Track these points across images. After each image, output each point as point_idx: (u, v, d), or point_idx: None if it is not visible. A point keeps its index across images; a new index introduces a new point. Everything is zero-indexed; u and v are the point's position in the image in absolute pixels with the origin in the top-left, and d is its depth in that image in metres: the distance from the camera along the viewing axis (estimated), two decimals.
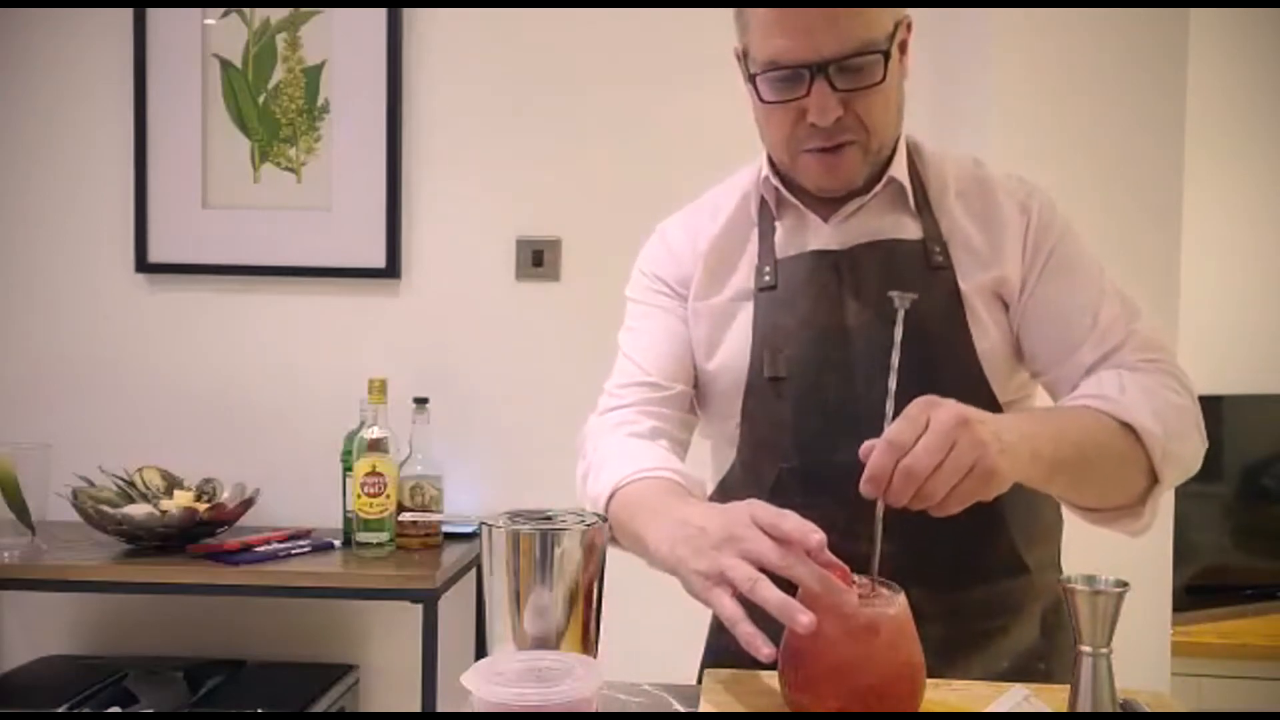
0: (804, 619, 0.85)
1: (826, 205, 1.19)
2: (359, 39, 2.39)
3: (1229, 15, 2.71)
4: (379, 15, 2.38)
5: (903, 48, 1.13)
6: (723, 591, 0.89)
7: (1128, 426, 1.05)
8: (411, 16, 2.40)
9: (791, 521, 0.90)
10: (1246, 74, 2.84)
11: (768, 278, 1.19)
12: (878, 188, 1.17)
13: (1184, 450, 1.09)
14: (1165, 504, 2.18)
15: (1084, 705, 0.84)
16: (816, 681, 0.90)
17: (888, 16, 1.09)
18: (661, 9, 2.36)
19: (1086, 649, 0.84)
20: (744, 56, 1.15)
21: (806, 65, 1.07)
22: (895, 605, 0.92)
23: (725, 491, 1.23)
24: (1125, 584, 0.84)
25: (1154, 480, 1.08)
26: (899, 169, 1.18)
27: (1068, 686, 0.87)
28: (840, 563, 0.92)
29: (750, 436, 1.19)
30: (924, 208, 1.18)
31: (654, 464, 1.12)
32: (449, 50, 2.41)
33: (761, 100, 1.13)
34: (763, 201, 1.23)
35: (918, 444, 0.90)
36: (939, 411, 0.91)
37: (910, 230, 1.17)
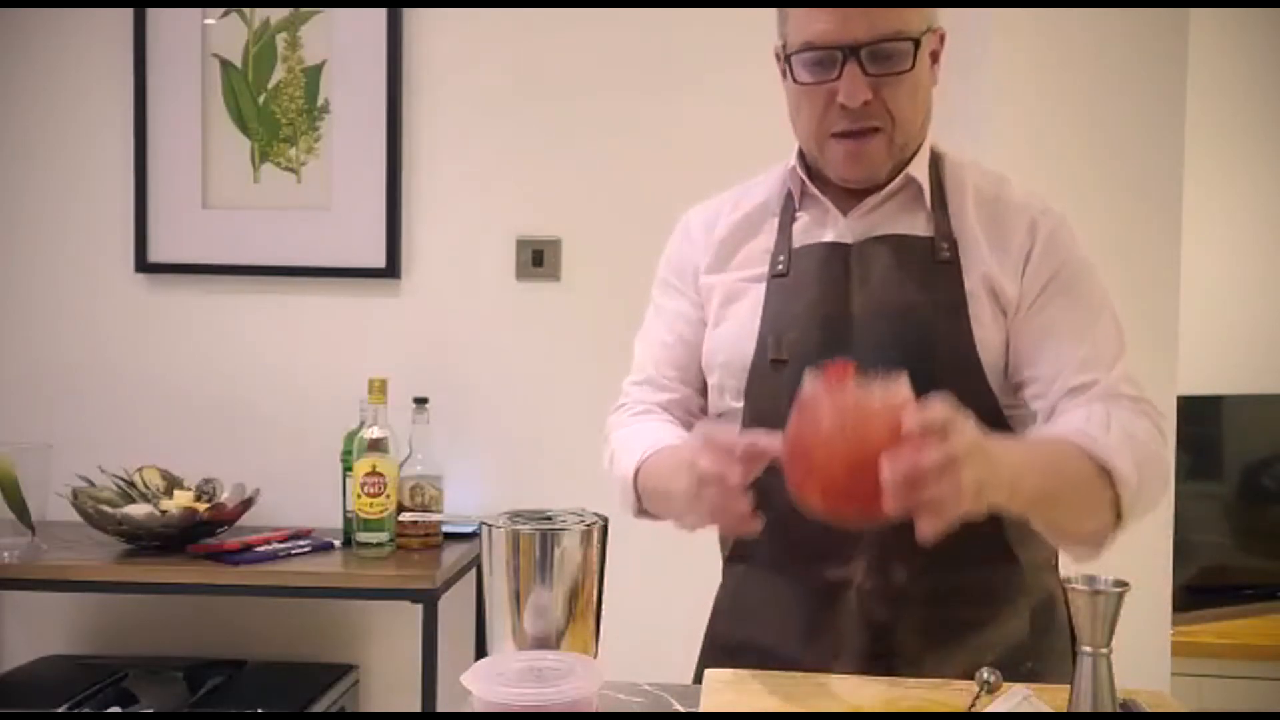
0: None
1: (847, 200, 1.23)
2: (359, 39, 2.39)
3: (1229, 15, 2.71)
4: (379, 15, 2.38)
5: (934, 57, 1.19)
6: (707, 514, 1.02)
7: (1106, 469, 1.07)
8: (411, 16, 2.39)
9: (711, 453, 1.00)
10: (1246, 74, 2.84)
11: (781, 265, 1.23)
12: (894, 184, 1.21)
13: (1151, 500, 1.12)
14: (1165, 504, 2.19)
15: (1084, 705, 0.84)
16: (812, 468, 0.91)
17: (919, 17, 1.15)
18: (660, 10, 2.35)
19: (1086, 649, 0.84)
20: (782, 52, 1.19)
21: (839, 47, 1.13)
22: (892, 392, 0.91)
23: None
24: (1125, 584, 0.84)
25: (1117, 518, 1.09)
26: (919, 169, 1.21)
27: (1068, 686, 0.87)
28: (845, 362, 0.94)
29: (751, 417, 1.21)
30: (939, 210, 1.21)
31: (668, 437, 1.23)
32: (449, 50, 2.40)
33: (795, 81, 1.17)
34: (788, 194, 1.27)
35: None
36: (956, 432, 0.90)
37: (922, 228, 1.20)
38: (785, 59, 1.18)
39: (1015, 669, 1.13)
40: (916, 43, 1.14)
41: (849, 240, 1.21)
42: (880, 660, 1.14)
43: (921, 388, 1.13)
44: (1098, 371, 1.15)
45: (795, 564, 1.19)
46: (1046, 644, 1.19)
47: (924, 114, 1.21)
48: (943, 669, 1.10)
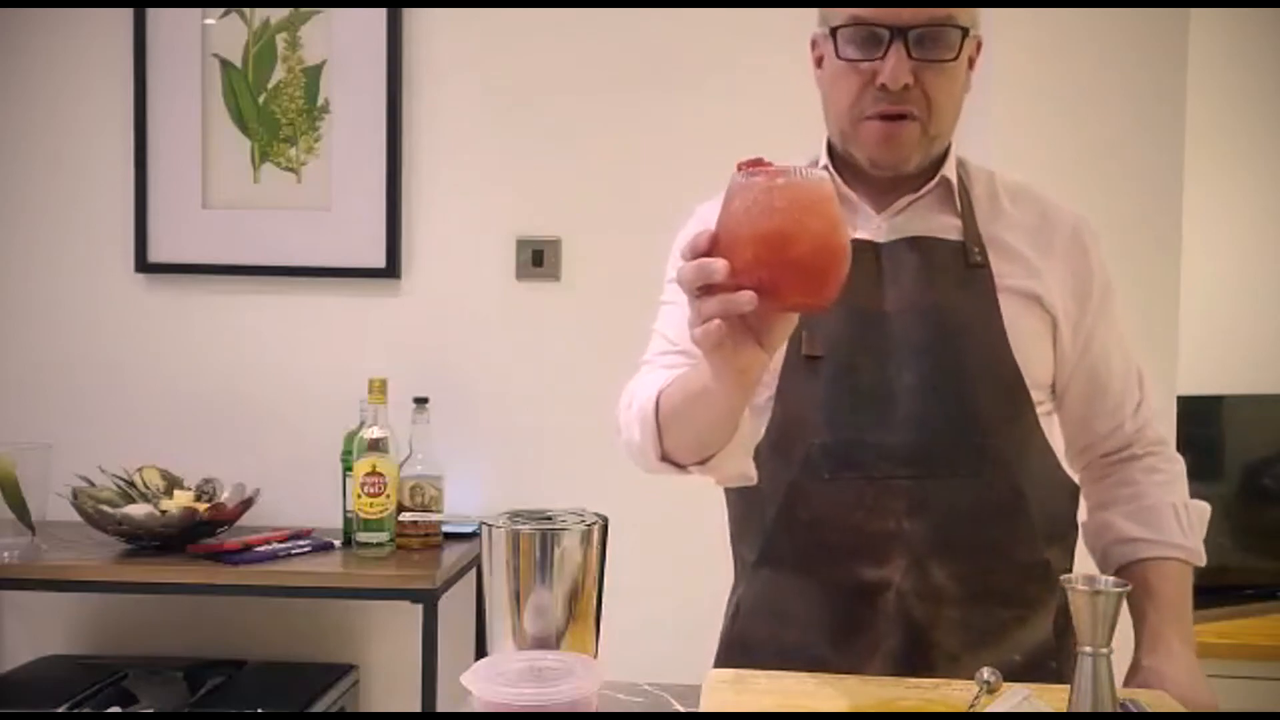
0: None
1: (879, 199, 1.22)
2: (359, 39, 2.39)
3: (1229, 16, 2.71)
4: (379, 15, 2.38)
5: (970, 63, 1.19)
6: (716, 330, 0.89)
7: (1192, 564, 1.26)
8: (411, 16, 2.39)
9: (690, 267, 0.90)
10: (1246, 75, 2.83)
11: None
12: (929, 185, 1.21)
13: None
14: None
15: (1084, 705, 0.84)
16: (749, 258, 0.87)
17: (968, 13, 1.16)
18: (660, 10, 2.35)
19: (1086, 649, 0.84)
20: (825, 27, 1.18)
21: (888, 26, 1.12)
22: (812, 179, 0.89)
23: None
24: (1125, 584, 0.84)
25: None
26: (950, 170, 1.23)
27: (1068, 686, 0.87)
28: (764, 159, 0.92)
29: (782, 413, 1.20)
30: (968, 211, 1.22)
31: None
32: (449, 50, 2.40)
33: (839, 56, 1.16)
34: None
35: None
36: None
37: (953, 232, 1.21)
38: (830, 33, 1.16)
39: (1041, 669, 1.15)
40: (964, 33, 1.14)
41: (880, 239, 1.21)
42: (917, 660, 1.14)
43: (957, 387, 1.16)
44: (1138, 420, 1.29)
45: (829, 566, 1.18)
46: (1068, 645, 1.19)
47: (956, 111, 1.20)
48: (976, 668, 1.10)
